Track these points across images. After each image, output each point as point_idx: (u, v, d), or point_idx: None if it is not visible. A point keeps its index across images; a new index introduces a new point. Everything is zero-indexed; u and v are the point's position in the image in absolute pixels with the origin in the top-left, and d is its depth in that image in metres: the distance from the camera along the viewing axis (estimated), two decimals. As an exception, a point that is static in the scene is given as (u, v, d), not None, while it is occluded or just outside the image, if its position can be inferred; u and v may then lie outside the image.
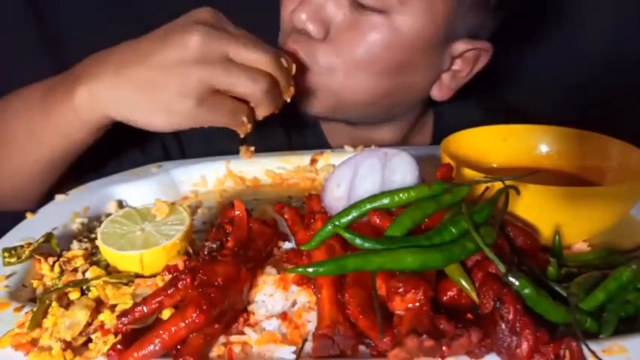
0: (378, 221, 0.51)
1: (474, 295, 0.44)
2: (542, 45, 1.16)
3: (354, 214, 0.52)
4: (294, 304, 0.49)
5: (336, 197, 0.58)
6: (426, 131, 1.01)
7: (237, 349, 0.45)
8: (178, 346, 0.43)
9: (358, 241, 0.47)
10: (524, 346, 0.40)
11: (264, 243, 0.56)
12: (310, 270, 0.46)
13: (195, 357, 0.42)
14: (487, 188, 0.54)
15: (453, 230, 0.47)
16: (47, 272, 0.55)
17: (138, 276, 0.52)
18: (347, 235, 0.48)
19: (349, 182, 0.58)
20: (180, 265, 0.52)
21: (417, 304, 0.42)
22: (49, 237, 0.58)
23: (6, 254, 0.56)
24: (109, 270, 0.54)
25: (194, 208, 0.71)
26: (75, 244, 0.59)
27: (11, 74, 0.76)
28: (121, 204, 0.72)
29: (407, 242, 0.46)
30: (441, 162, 0.62)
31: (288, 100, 0.72)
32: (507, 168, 0.69)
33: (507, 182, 0.52)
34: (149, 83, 0.63)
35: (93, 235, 0.62)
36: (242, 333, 0.46)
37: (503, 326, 0.41)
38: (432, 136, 1.00)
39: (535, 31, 1.14)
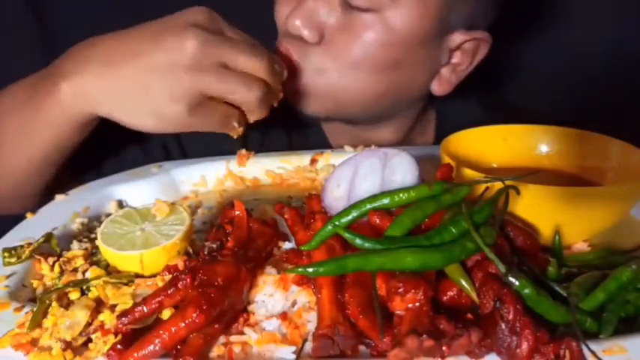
0: (378, 221, 0.51)
1: (474, 295, 0.44)
2: (542, 45, 1.16)
3: (354, 214, 0.52)
4: (294, 304, 0.49)
5: (336, 197, 0.58)
6: (428, 132, 1.00)
7: (237, 349, 0.45)
8: (178, 346, 0.43)
9: (358, 241, 0.47)
10: (524, 346, 0.40)
11: (264, 243, 0.56)
12: (310, 270, 0.46)
13: (195, 357, 0.42)
14: (487, 188, 0.54)
15: (453, 230, 0.47)
16: (47, 272, 0.55)
17: (138, 276, 0.52)
18: (347, 235, 0.48)
19: (349, 182, 0.58)
20: (180, 265, 0.52)
21: (417, 304, 0.42)
22: (49, 237, 0.58)
23: (6, 254, 0.56)
24: (109, 270, 0.54)
25: (194, 208, 0.71)
26: (75, 244, 0.59)
27: (11, 74, 0.76)
28: (121, 204, 0.72)
29: (407, 242, 0.46)
30: (441, 162, 0.62)
31: (276, 104, 0.71)
32: (507, 168, 0.69)
33: (507, 182, 0.52)
34: (138, 84, 0.61)
35: (93, 235, 0.62)
36: (242, 333, 0.46)
37: (503, 326, 0.41)
38: (434, 137, 1.00)
39: (535, 31, 1.14)
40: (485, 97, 1.02)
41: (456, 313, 0.44)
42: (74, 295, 0.50)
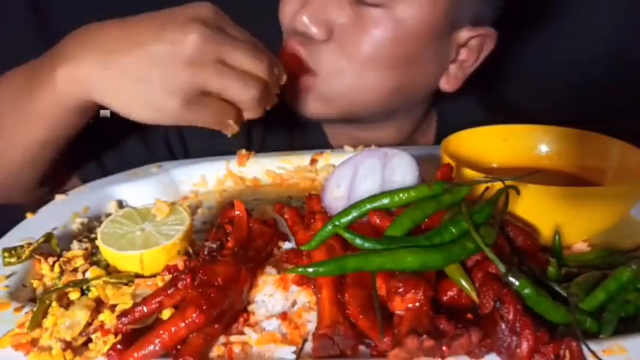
0: (378, 221, 0.51)
1: (474, 295, 0.44)
2: (542, 45, 1.16)
3: (354, 214, 0.52)
4: (294, 304, 0.49)
5: (336, 197, 0.58)
6: (429, 132, 1.00)
7: (237, 349, 0.45)
8: (178, 346, 0.43)
9: (358, 241, 0.47)
10: (524, 346, 0.40)
11: (264, 243, 0.56)
12: (310, 270, 0.46)
13: (195, 357, 0.42)
14: (487, 188, 0.54)
15: (453, 230, 0.47)
16: (47, 272, 0.55)
17: (138, 276, 0.52)
18: (347, 235, 0.48)
19: (349, 182, 0.58)
20: (180, 265, 0.52)
21: (417, 304, 0.42)
22: (49, 237, 0.58)
23: (6, 254, 0.56)
24: (109, 270, 0.54)
25: (194, 208, 0.71)
26: (75, 244, 0.59)
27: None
28: (121, 204, 0.72)
29: (407, 242, 0.46)
30: (441, 162, 0.62)
31: (269, 108, 0.70)
32: (507, 168, 0.69)
33: (507, 182, 0.52)
34: (135, 74, 0.60)
35: (93, 235, 0.62)
36: (242, 333, 0.46)
37: (503, 326, 0.41)
38: (435, 137, 1.00)
39: (535, 32, 1.14)
40: (486, 97, 1.01)
41: (456, 313, 0.44)
42: (74, 295, 0.50)
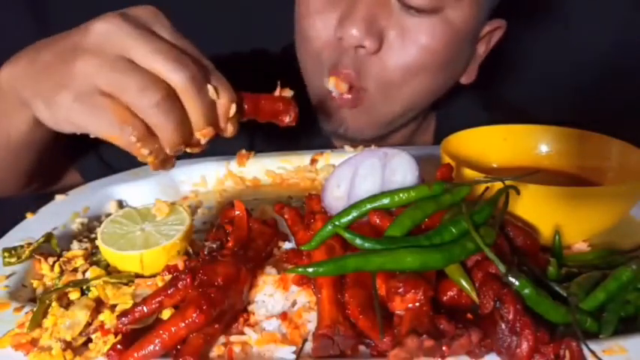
0: (378, 221, 0.51)
1: (474, 295, 0.44)
2: (542, 45, 1.16)
3: (354, 214, 0.52)
4: (294, 304, 0.49)
5: (336, 197, 0.58)
6: (428, 131, 1.00)
7: (237, 349, 0.45)
8: (178, 346, 0.43)
9: (358, 241, 0.47)
10: (524, 346, 0.40)
11: (264, 243, 0.56)
12: (310, 270, 0.46)
13: (195, 357, 0.42)
14: (487, 188, 0.54)
15: (453, 230, 0.47)
16: (47, 272, 0.55)
17: (138, 276, 0.52)
18: (347, 235, 0.48)
19: (349, 182, 0.58)
20: (180, 265, 0.52)
21: (417, 304, 0.42)
22: (49, 237, 0.58)
23: (6, 254, 0.56)
24: (109, 270, 0.54)
25: (194, 208, 0.71)
26: (75, 244, 0.59)
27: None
28: (121, 204, 0.72)
29: (407, 242, 0.46)
30: (441, 162, 0.62)
31: (202, 140, 0.56)
32: (507, 168, 0.69)
33: (507, 182, 0.52)
34: (43, 68, 0.55)
35: (93, 235, 0.62)
36: (242, 333, 0.47)
37: (503, 326, 0.41)
38: (434, 137, 1.00)
39: (536, 32, 1.14)
40: (486, 97, 1.02)
41: (456, 313, 0.44)
42: (74, 295, 0.50)
